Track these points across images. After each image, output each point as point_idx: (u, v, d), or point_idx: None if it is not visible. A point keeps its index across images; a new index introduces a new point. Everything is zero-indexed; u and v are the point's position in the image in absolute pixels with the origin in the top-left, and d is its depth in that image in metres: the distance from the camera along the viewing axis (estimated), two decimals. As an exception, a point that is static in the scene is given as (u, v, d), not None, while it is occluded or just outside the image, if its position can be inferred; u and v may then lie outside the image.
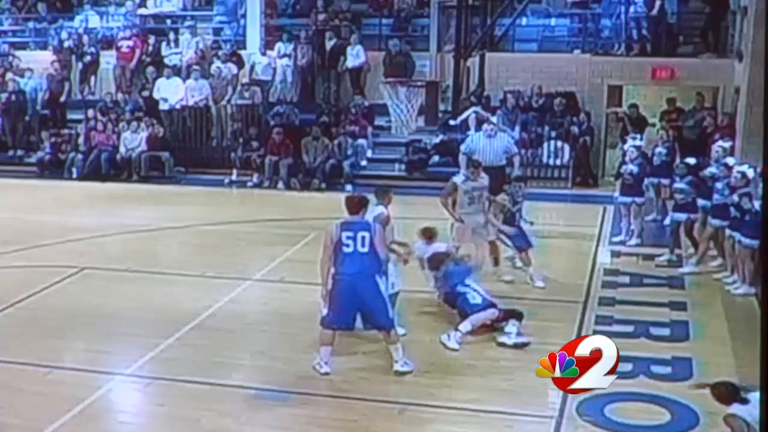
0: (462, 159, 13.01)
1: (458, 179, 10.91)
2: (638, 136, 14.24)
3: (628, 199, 12.64)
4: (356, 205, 8.12)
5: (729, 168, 11.05)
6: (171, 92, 18.41)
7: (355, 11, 19.52)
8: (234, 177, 17.18)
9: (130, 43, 19.34)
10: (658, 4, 17.34)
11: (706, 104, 17.03)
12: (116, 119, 18.16)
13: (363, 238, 7.88)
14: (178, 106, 18.34)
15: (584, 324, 9.38)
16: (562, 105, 17.25)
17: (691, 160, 12.14)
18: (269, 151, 17.01)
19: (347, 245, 7.88)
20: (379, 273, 8.03)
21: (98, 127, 17.99)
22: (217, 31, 20.21)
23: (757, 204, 10.01)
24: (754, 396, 6.21)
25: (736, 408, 6.28)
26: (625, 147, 13.25)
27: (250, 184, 16.98)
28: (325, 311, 8.07)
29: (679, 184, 11.63)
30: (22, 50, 20.53)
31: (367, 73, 18.46)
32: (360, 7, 19.73)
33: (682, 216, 11.62)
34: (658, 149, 13.50)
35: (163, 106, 18.39)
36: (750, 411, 6.20)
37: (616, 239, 12.79)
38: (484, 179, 11.01)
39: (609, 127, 17.76)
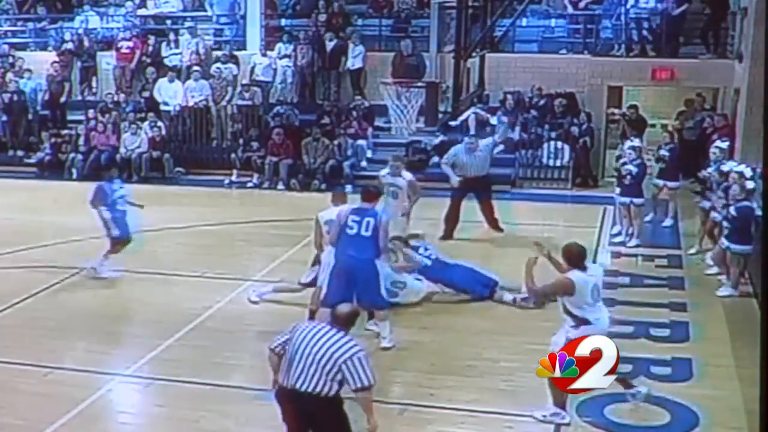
0: (445, 169, 12.89)
1: (382, 172, 11.43)
2: (637, 138, 14.21)
3: (627, 200, 12.64)
4: (371, 196, 8.80)
5: (725, 173, 11.02)
6: (171, 95, 18.39)
7: (355, 12, 19.50)
8: (234, 178, 17.18)
9: (130, 44, 19.32)
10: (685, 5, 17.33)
11: (705, 105, 17.03)
12: (117, 120, 18.15)
13: (368, 222, 8.45)
14: (178, 108, 18.33)
15: (584, 325, 9.38)
16: (562, 106, 17.25)
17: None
18: (269, 151, 17.01)
19: (351, 227, 8.45)
20: (379, 257, 8.52)
21: (98, 128, 17.98)
22: (217, 32, 20.20)
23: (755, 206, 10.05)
24: (593, 266, 7.10)
25: (573, 274, 7.08)
26: (624, 148, 13.23)
27: (250, 184, 16.98)
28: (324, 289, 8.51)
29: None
30: (22, 51, 20.51)
31: (366, 74, 18.45)
32: (360, 8, 19.72)
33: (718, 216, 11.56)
34: (662, 152, 13.47)
35: (164, 108, 18.37)
36: (584, 278, 7.05)
37: (615, 240, 12.79)
38: (403, 179, 11.25)
39: (609, 128, 17.75)
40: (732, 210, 10.32)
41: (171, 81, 18.45)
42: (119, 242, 11.11)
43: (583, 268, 7.12)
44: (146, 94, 18.85)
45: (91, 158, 17.68)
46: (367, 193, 8.87)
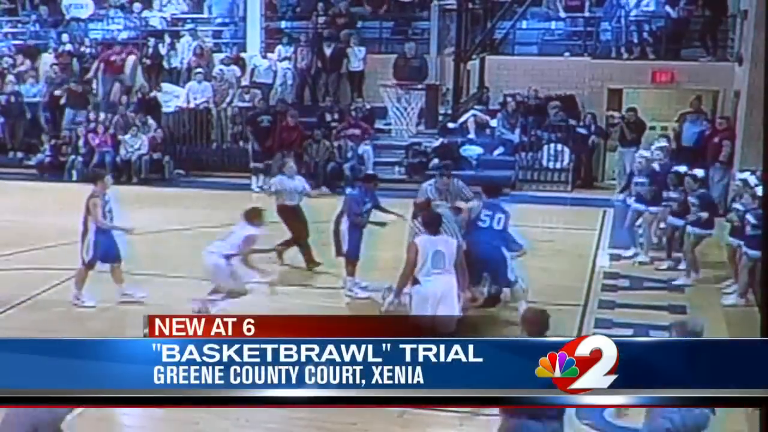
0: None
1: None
2: (664, 138, 14.19)
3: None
4: (496, 191, 9.86)
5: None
6: (176, 95, 18.37)
7: (355, 14, 19.50)
8: (262, 182, 17.00)
9: (122, 55, 19.25)
10: (683, 4, 17.35)
11: (703, 108, 17.00)
12: (112, 120, 18.13)
13: (500, 218, 9.34)
14: (178, 109, 18.30)
15: (584, 327, 9.40)
16: (556, 107, 17.18)
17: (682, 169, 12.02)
18: (279, 137, 16.78)
19: (483, 221, 9.31)
20: (507, 247, 9.37)
21: (98, 129, 17.96)
22: (217, 34, 20.19)
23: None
24: (442, 236, 8.20)
25: (419, 237, 8.13)
26: (652, 149, 12.89)
27: (260, 183, 16.92)
28: None
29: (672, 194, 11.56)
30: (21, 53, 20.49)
31: (366, 76, 18.43)
32: (361, 10, 19.72)
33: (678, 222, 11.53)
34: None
35: (167, 109, 18.29)
36: (429, 241, 7.95)
37: (627, 253, 12.16)
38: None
39: (609, 131, 17.75)
40: (750, 217, 10.14)
41: (172, 81, 18.42)
42: (347, 262, 10.54)
43: (433, 233, 8.02)
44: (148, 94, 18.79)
45: (94, 161, 17.67)
46: (494, 188, 9.88)
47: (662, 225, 12.03)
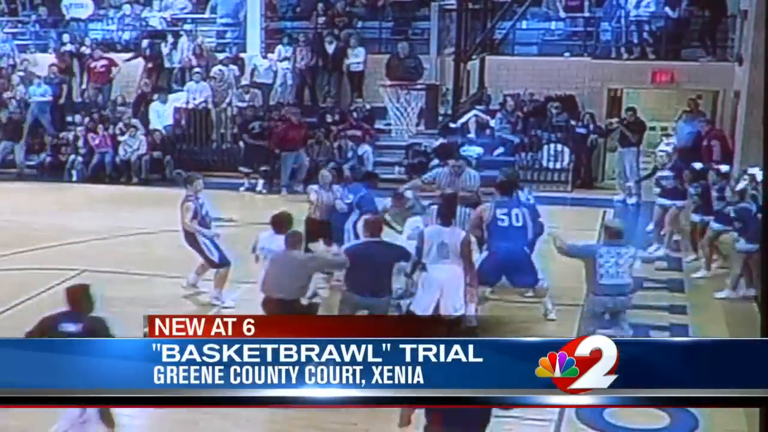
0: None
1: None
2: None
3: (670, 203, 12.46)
4: (507, 188, 9.65)
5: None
6: (166, 115, 18.33)
7: (355, 14, 19.51)
8: (260, 185, 17.03)
9: (105, 62, 19.21)
10: (683, 4, 17.37)
11: (700, 108, 17.01)
12: (105, 121, 18.14)
13: (517, 215, 9.29)
14: (174, 119, 18.27)
15: (584, 327, 9.37)
16: (555, 108, 17.20)
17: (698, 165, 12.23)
18: (284, 137, 16.81)
19: (502, 221, 9.22)
20: (528, 245, 9.43)
21: (98, 130, 17.96)
22: (221, 34, 20.18)
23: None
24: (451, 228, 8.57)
25: (429, 226, 8.64)
26: (661, 147, 13.19)
27: (259, 188, 16.93)
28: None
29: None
30: (21, 54, 20.49)
31: (365, 76, 18.44)
32: (360, 11, 19.72)
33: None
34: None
35: (159, 124, 18.27)
36: (436, 231, 8.38)
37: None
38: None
39: (608, 133, 17.77)
40: (731, 211, 10.35)
41: (163, 102, 18.35)
42: None
43: (444, 224, 8.40)
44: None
45: (94, 161, 17.66)
46: (505, 185, 9.65)
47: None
